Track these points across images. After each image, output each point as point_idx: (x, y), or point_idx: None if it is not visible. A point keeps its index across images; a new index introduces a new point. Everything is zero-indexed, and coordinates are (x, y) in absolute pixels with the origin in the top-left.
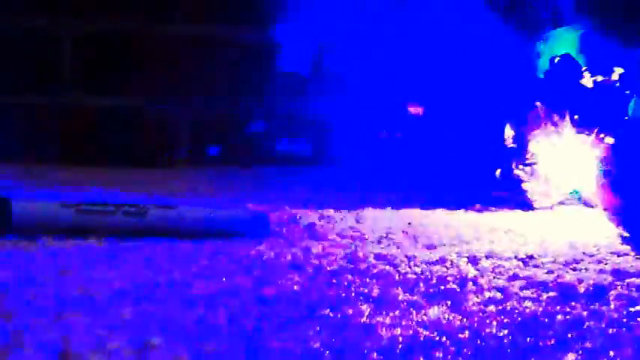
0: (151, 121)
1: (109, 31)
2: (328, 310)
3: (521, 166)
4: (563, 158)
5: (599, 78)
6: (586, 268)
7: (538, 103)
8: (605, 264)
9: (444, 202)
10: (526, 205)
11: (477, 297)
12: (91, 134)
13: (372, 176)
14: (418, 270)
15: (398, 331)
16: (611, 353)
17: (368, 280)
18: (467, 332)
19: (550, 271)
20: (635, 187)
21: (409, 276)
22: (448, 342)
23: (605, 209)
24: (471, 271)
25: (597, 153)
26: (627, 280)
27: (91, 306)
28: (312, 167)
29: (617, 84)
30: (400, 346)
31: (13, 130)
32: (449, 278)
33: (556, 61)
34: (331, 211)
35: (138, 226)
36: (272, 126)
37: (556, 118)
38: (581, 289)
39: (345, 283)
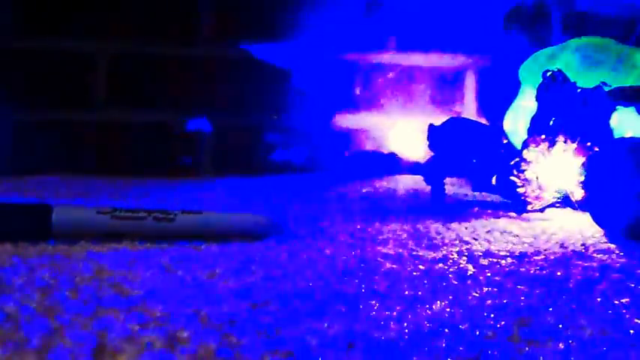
0: (177, 134)
1: (139, 52)
2: (340, 304)
3: (515, 173)
4: (554, 165)
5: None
6: (574, 266)
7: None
8: (592, 261)
9: (445, 206)
10: (520, 208)
11: (476, 292)
12: (124, 146)
13: (374, 183)
14: (422, 268)
15: (405, 323)
16: (598, 343)
17: (376, 277)
18: (467, 324)
19: (542, 268)
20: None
21: (414, 273)
22: (450, 333)
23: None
24: (470, 269)
25: (581, 160)
26: (612, 276)
27: (125, 304)
28: (315, 174)
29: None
30: (407, 337)
31: (52, 144)
32: (450, 275)
33: (548, 75)
34: (342, 215)
35: (167, 231)
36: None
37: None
38: (571, 285)
39: (356, 280)
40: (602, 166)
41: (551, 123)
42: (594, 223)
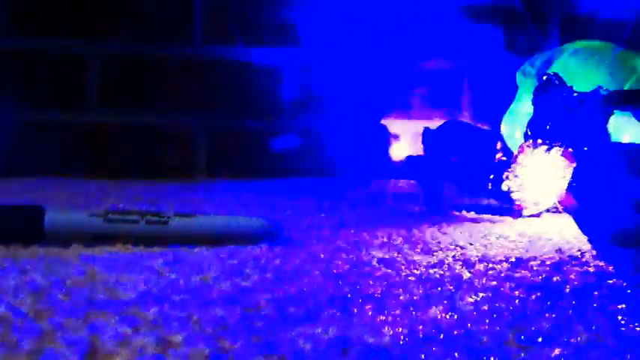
0: (170, 136)
1: (134, 53)
2: (334, 309)
3: (511, 177)
4: (550, 169)
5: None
6: (571, 271)
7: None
8: (589, 267)
9: (440, 211)
10: (516, 213)
11: (471, 297)
12: (116, 149)
13: (373, 187)
14: (417, 272)
15: (399, 328)
16: (595, 348)
17: (371, 281)
18: (462, 329)
19: (538, 274)
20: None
21: (409, 278)
22: (445, 338)
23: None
24: (466, 274)
25: (569, 165)
26: (609, 282)
27: (118, 307)
28: (318, 178)
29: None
30: (402, 342)
31: (45, 146)
32: (445, 280)
33: (544, 78)
34: (337, 220)
35: (160, 234)
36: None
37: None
38: (567, 290)
39: (350, 285)
40: (590, 172)
41: (547, 127)
42: (589, 228)
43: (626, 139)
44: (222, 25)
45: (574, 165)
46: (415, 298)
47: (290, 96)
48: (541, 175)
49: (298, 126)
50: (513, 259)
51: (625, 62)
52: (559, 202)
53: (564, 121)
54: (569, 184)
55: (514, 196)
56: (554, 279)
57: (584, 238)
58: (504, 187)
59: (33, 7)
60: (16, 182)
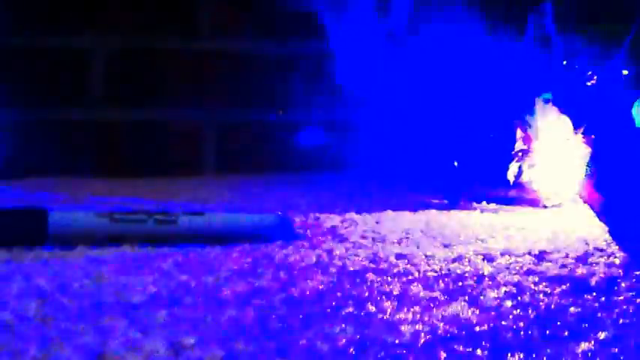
0: (178, 132)
1: (138, 48)
2: (352, 308)
3: (527, 166)
4: (566, 157)
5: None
6: (596, 263)
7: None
8: (615, 258)
9: (460, 203)
10: (537, 203)
11: (494, 292)
12: (122, 146)
13: (391, 179)
14: (437, 268)
15: (419, 326)
16: (622, 342)
17: (389, 278)
18: (485, 326)
19: (562, 266)
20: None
21: (429, 274)
22: (467, 335)
23: (587, 204)
24: (487, 268)
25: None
26: (636, 273)
27: (127, 310)
28: (334, 172)
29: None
30: (422, 340)
31: (48, 144)
32: (466, 275)
33: (564, 64)
34: (353, 214)
35: (169, 233)
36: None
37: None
38: (593, 283)
39: (368, 282)
40: (612, 159)
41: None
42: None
43: None
44: (232, 15)
45: (591, 151)
46: (435, 294)
47: (303, 87)
48: (560, 162)
49: (310, 119)
50: (536, 252)
51: None
52: (581, 193)
53: (587, 107)
54: (587, 172)
55: (534, 186)
56: (579, 271)
57: (609, 229)
58: (525, 177)
59: (34, 3)
60: (19, 183)
